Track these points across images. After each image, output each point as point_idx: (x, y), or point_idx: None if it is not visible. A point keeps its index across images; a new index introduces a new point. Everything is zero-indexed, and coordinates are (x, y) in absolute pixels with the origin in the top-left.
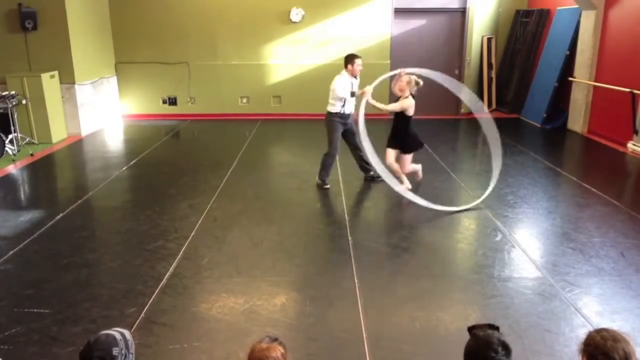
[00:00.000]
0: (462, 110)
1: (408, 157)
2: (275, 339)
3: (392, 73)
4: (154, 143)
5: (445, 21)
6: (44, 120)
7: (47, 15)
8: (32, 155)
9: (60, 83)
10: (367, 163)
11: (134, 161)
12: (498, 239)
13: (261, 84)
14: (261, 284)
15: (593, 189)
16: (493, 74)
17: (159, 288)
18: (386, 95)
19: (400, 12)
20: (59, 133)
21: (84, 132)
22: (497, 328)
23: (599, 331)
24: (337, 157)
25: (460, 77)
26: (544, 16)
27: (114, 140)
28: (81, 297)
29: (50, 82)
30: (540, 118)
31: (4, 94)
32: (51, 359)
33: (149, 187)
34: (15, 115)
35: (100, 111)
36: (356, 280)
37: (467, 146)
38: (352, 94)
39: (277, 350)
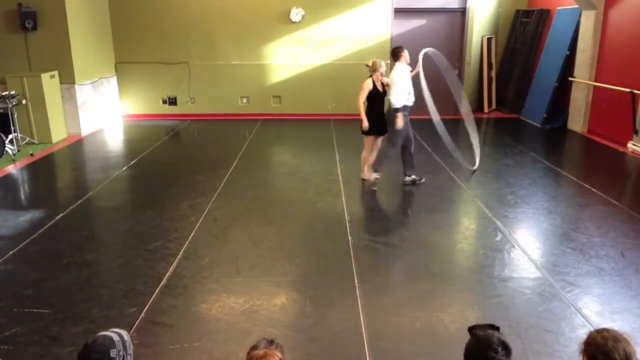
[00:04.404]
0: (463, 110)
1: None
2: (272, 341)
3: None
4: (154, 143)
5: (445, 21)
6: (44, 120)
7: (47, 15)
8: (32, 155)
9: (60, 83)
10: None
11: (134, 161)
12: (498, 239)
13: (261, 84)
14: (261, 284)
15: (593, 189)
16: (493, 74)
17: (159, 288)
18: None
19: (400, 12)
20: (59, 133)
21: (84, 132)
22: (497, 328)
23: (600, 331)
24: (337, 156)
25: (460, 77)
26: (544, 16)
27: (114, 140)
28: (81, 297)
29: (50, 82)
30: (540, 118)
31: (4, 94)
32: (51, 359)
33: (149, 187)
34: (15, 115)
35: (100, 111)
36: (356, 280)
37: (467, 146)
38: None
39: (275, 357)
